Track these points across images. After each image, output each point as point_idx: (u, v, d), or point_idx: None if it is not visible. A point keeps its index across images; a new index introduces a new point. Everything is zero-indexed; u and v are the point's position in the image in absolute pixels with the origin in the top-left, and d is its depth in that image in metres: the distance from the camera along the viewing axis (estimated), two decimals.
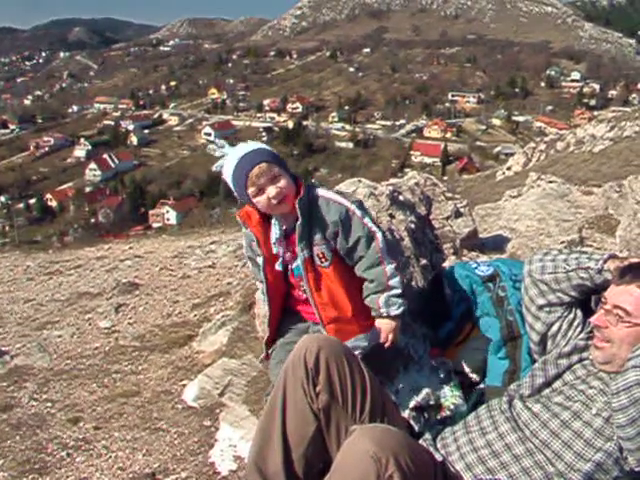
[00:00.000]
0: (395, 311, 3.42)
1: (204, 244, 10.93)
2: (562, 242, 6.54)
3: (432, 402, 3.75)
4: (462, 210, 6.52)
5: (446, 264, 4.43)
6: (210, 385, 5.11)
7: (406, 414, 3.65)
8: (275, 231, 3.39)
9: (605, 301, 2.80)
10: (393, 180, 5.75)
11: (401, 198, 4.92)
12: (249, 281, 7.28)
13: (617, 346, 2.74)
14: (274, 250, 3.43)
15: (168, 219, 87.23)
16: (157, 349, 6.23)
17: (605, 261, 2.93)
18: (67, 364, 6.10)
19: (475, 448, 2.77)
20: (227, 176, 3.35)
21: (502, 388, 3.38)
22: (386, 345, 3.47)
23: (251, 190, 3.28)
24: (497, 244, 6.75)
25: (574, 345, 2.99)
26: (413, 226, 4.67)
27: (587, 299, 3.12)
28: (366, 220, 3.39)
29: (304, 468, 2.85)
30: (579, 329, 3.04)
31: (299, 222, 3.30)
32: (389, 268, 3.40)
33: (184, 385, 5.35)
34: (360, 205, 3.47)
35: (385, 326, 3.44)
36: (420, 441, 2.93)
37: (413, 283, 4.27)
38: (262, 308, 3.82)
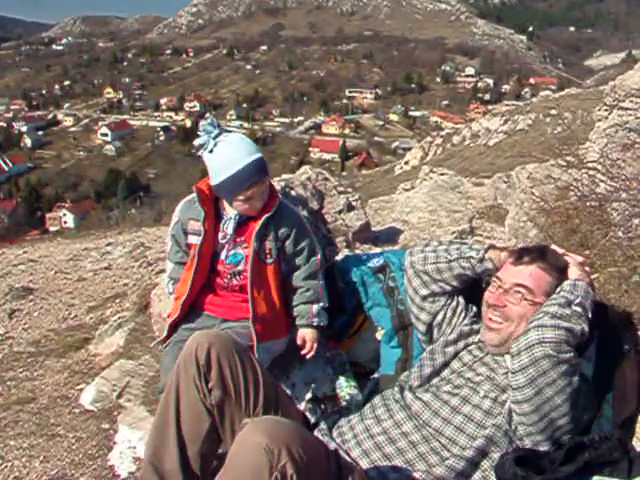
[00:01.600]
0: (322, 322, 3.58)
1: (100, 246, 10.74)
2: (453, 232, 6.68)
3: (328, 393, 3.80)
4: (354, 204, 6.60)
5: (339, 257, 4.47)
6: (107, 388, 5.04)
7: (302, 406, 3.68)
8: (232, 216, 3.40)
9: (501, 282, 2.91)
10: (285, 175, 5.76)
11: (293, 193, 4.94)
12: (145, 281, 7.22)
13: (516, 324, 2.86)
14: (221, 232, 3.44)
15: (66, 222, 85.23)
16: (53, 354, 6.10)
17: (486, 251, 3.05)
18: None
19: (372, 435, 2.83)
20: (216, 170, 3.32)
21: (395, 376, 3.43)
22: (309, 355, 3.58)
23: (239, 198, 3.30)
24: (390, 236, 6.86)
25: (459, 332, 3.10)
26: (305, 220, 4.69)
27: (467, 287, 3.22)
28: (312, 236, 3.59)
29: (201, 465, 2.85)
30: (462, 315, 3.16)
31: (265, 217, 3.37)
32: (322, 283, 3.60)
33: (81, 389, 5.25)
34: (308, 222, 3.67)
35: (310, 335, 3.55)
36: (315, 431, 2.97)
37: None
38: (168, 289, 3.73)
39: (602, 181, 4.94)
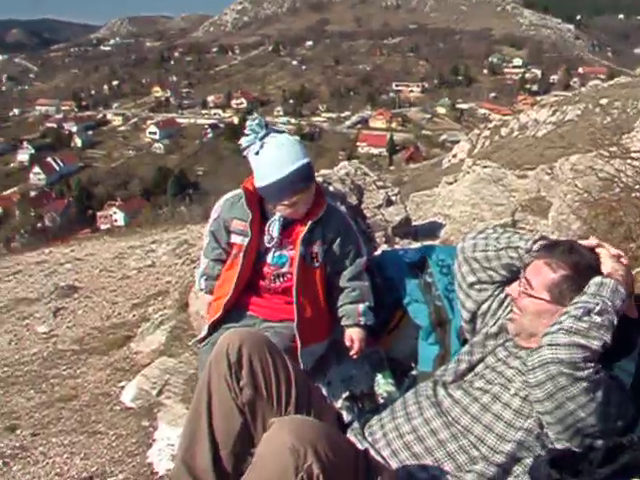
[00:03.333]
0: (369, 321, 3.54)
1: (145, 244, 10.83)
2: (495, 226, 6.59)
3: (365, 391, 3.75)
4: (393, 198, 6.54)
5: (378, 252, 4.43)
6: (148, 385, 5.07)
7: (339, 404, 3.65)
8: (276, 218, 3.35)
9: (523, 274, 2.84)
10: (323, 171, 5.73)
11: (331, 189, 4.92)
12: (187, 279, 7.25)
13: (524, 317, 2.80)
14: (267, 234, 3.39)
15: (116, 220, 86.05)
16: (96, 352, 6.17)
17: (535, 242, 2.95)
18: (4, 371, 6.02)
19: (401, 434, 2.78)
20: (261, 173, 3.26)
21: (433, 373, 3.38)
22: (356, 354, 3.55)
23: (283, 203, 3.26)
24: (431, 231, 6.79)
25: (501, 325, 3.02)
26: None
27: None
28: (359, 237, 3.58)
29: (233, 464, 2.82)
30: (509, 309, 3.06)
31: (311, 222, 3.34)
32: (368, 284, 3.57)
33: (122, 387, 5.31)
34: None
35: (358, 335, 3.51)
36: (348, 431, 2.93)
37: None
38: (204, 291, 3.74)
39: None
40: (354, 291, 3.49)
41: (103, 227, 74.82)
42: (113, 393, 5.24)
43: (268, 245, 3.39)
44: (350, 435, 2.89)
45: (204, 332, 3.55)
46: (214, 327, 3.51)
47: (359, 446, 2.74)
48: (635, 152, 5.04)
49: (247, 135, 3.25)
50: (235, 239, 3.44)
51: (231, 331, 2.95)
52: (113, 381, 5.47)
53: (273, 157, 3.19)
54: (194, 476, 2.82)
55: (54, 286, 8.54)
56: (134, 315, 6.96)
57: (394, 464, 2.70)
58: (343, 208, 4.28)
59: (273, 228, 3.36)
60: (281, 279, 3.44)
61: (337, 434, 2.53)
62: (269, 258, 3.43)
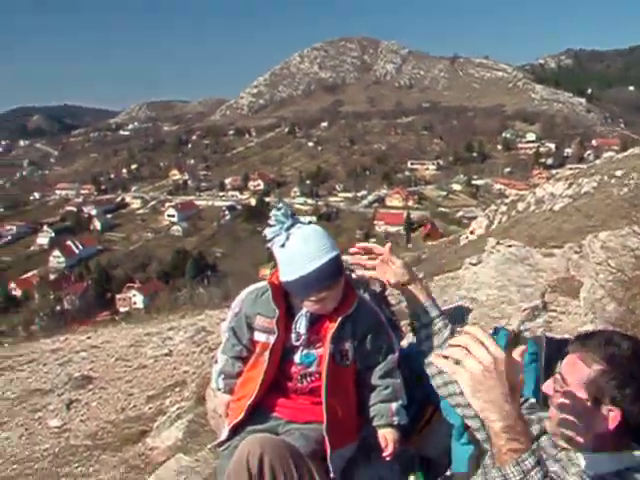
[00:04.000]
0: (402, 421, 3.27)
1: (162, 330, 10.66)
2: (525, 309, 6.35)
3: None
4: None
5: (404, 342, 4.19)
6: None
7: None
8: (303, 313, 3.09)
9: (559, 368, 2.58)
10: (345, 257, 5.52)
11: (353, 276, 4.71)
12: (205, 369, 7.06)
13: (559, 417, 2.50)
14: (293, 332, 3.11)
15: (135, 303, 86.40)
16: (110, 447, 5.97)
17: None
18: (13, 469, 5.82)
19: None
20: (287, 267, 2.97)
21: (469, 474, 3.11)
22: (390, 456, 3.23)
23: (311, 299, 2.99)
24: (458, 316, 6.54)
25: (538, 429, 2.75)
26: None
27: None
28: (390, 332, 3.33)
29: None
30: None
31: (341, 318, 3.08)
32: (400, 381, 3.31)
33: None
34: None
35: (391, 435, 3.22)
36: None
37: None
38: (219, 394, 3.46)
39: None
40: (386, 389, 3.24)
41: (122, 310, 75.16)
42: None
43: (295, 343, 3.12)
44: None
45: (224, 435, 3.28)
46: (235, 430, 3.25)
47: None
48: None
49: (272, 226, 3.00)
50: (259, 337, 3.16)
51: (251, 438, 2.72)
52: None
53: (300, 251, 2.94)
54: None
55: (68, 376, 8.37)
56: (150, 407, 6.76)
57: None
58: (367, 296, 4.07)
59: (300, 325, 3.10)
60: (309, 379, 3.19)
61: None
62: (296, 357, 3.17)
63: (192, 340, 9.29)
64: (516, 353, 2.15)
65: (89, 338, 11.38)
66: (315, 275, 2.92)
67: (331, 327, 3.05)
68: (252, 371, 3.19)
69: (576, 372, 2.43)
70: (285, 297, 3.14)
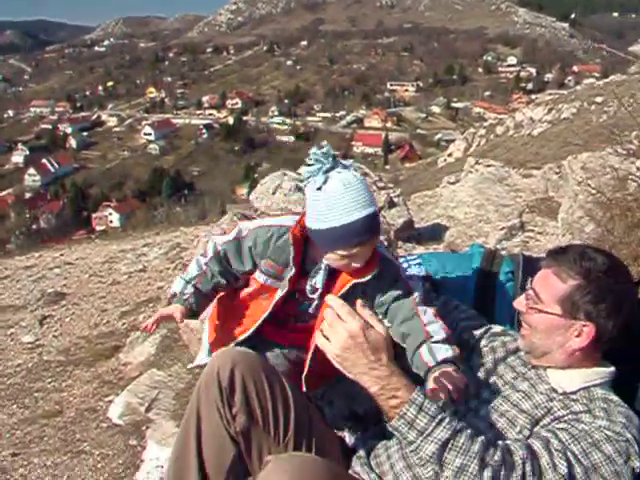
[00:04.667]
0: (444, 354, 2.68)
1: (137, 247, 10.60)
2: (502, 228, 6.32)
3: (370, 411, 3.45)
4: (396, 200, 6.24)
5: None
6: (136, 400, 4.82)
7: (341, 426, 3.35)
8: (322, 266, 2.81)
9: (530, 284, 2.55)
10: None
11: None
12: None
13: (534, 334, 2.47)
14: (309, 284, 2.85)
15: (111, 221, 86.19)
16: (82, 363, 5.94)
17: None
18: None
19: (409, 465, 2.46)
20: (321, 213, 2.65)
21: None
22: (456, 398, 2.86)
23: (339, 252, 2.68)
24: (435, 233, 6.52)
25: (502, 341, 2.73)
26: None
27: None
28: (408, 280, 2.93)
29: None
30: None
31: (353, 282, 2.77)
32: (427, 316, 2.81)
33: (110, 401, 5.08)
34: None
35: (440, 379, 2.60)
36: (354, 459, 2.63)
37: None
38: (182, 303, 3.21)
39: None
40: (409, 336, 2.83)
41: (99, 228, 74.95)
42: (100, 408, 4.99)
43: (310, 295, 2.88)
44: (356, 465, 2.59)
45: (204, 358, 3.16)
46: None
47: (366, 478, 2.48)
48: None
49: (309, 165, 2.69)
50: (259, 276, 2.95)
51: (222, 351, 2.66)
52: (100, 395, 5.23)
53: (340, 197, 2.63)
54: None
55: (41, 293, 8.30)
56: (123, 323, 6.72)
57: None
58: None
59: (317, 279, 2.85)
60: (306, 318, 3.03)
61: (341, 472, 2.24)
62: (298, 304, 2.95)
63: (166, 256, 9.25)
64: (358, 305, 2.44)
65: (63, 255, 11.29)
66: (354, 226, 2.62)
67: (344, 284, 2.80)
68: (246, 305, 3.01)
69: (550, 287, 2.41)
70: (302, 248, 2.89)
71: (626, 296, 2.43)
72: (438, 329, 2.72)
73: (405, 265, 3.47)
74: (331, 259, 2.74)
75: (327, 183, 2.62)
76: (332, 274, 2.83)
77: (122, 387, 5.21)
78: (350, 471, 2.55)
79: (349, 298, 2.70)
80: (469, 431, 2.20)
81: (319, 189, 2.62)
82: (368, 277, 2.76)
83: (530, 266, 3.16)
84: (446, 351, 2.63)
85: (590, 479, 2.13)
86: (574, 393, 2.39)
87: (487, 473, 2.11)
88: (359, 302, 2.58)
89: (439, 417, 2.20)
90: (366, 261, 2.74)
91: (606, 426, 2.22)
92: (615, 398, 2.38)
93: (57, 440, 4.62)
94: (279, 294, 2.87)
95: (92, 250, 11.40)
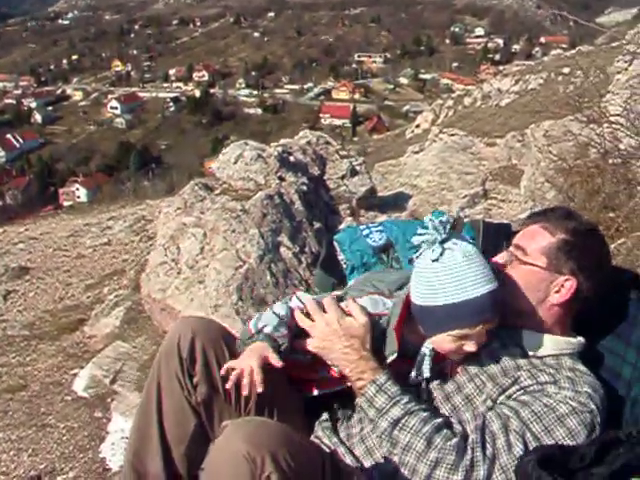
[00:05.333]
0: None
1: (102, 221, 10.51)
2: (465, 196, 6.36)
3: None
4: (358, 168, 6.24)
5: (343, 226, 4.15)
6: (101, 373, 4.85)
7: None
8: (427, 352, 2.46)
9: (509, 245, 2.62)
10: (283, 140, 5.43)
11: (292, 159, 4.65)
12: (144, 257, 6.98)
13: (510, 292, 2.47)
14: (415, 371, 2.49)
15: (79, 197, 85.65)
16: (47, 337, 5.94)
17: None
18: None
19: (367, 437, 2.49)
20: (437, 287, 2.37)
21: None
22: None
23: (455, 333, 2.39)
24: (398, 202, 6.54)
25: None
26: (305, 188, 4.41)
27: None
28: None
29: (187, 468, 2.57)
30: None
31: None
32: None
33: (75, 374, 5.09)
34: None
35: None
36: (317, 425, 2.64)
37: (306, 249, 4.00)
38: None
39: (627, 136, 4.59)
40: None
41: (66, 204, 74.32)
42: (64, 382, 4.99)
43: (412, 383, 2.53)
44: (318, 430, 2.60)
45: None
46: None
47: (327, 442, 2.50)
48: (613, 116, 4.80)
49: (425, 233, 2.43)
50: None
51: (181, 320, 2.67)
52: (65, 368, 5.23)
53: (461, 270, 2.37)
54: None
55: (5, 268, 8.23)
56: (88, 297, 6.71)
57: (368, 463, 2.42)
58: (305, 180, 3.93)
59: (424, 368, 2.50)
60: None
61: (300, 437, 2.25)
62: None
63: (131, 229, 9.21)
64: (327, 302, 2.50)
65: (28, 230, 11.19)
66: (477, 304, 2.37)
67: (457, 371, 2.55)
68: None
69: (538, 240, 2.49)
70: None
71: (605, 258, 2.57)
72: None
73: (366, 232, 3.48)
74: (440, 342, 2.45)
75: (445, 255, 2.38)
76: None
77: (87, 360, 5.23)
78: (312, 436, 2.56)
79: None
80: (424, 414, 2.26)
81: (435, 260, 2.37)
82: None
83: (490, 232, 3.19)
84: None
85: None
86: (543, 358, 2.44)
87: (433, 454, 2.17)
88: (335, 296, 2.59)
89: (397, 398, 2.28)
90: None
91: (571, 397, 2.27)
92: (582, 368, 2.43)
93: (22, 414, 4.62)
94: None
95: (57, 224, 11.29)
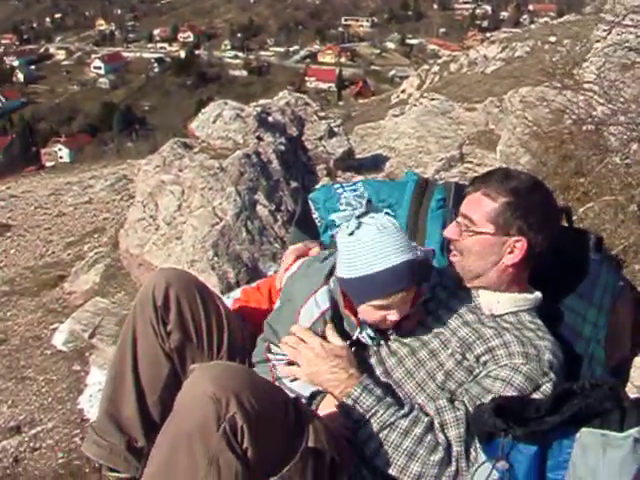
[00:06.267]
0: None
1: (83, 179, 10.53)
2: (441, 159, 6.44)
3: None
4: (336, 130, 6.29)
5: (318, 185, 4.21)
6: (80, 327, 4.92)
7: None
8: (366, 334, 2.57)
9: (456, 214, 2.69)
10: (262, 101, 5.48)
11: (270, 119, 4.71)
12: (124, 215, 7.02)
13: (466, 258, 2.60)
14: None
15: (61, 157, 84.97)
16: (27, 292, 6.00)
17: None
18: None
19: None
20: (353, 261, 2.46)
21: None
22: None
23: (374, 303, 2.48)
24: (375, 164, 6.60)
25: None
26: (283, 148, 4.48)
27: None
28: None
29: (161, 412, 2.67)
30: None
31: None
32: None
33: (54, 329, 5.16)
34: None
35: None
36: None
37: (282, 207, 4.08)
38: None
39: (600, 104, 4.67)
40: None
41: (48, 164, 73.74)
42: (44, 336, 5.07)
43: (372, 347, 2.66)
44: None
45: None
46: None
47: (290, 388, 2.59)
48: (587, 83, 4.88)
49: (342, 208, 2.54)
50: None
51: (156, 272, 2.75)
52: (45, 323, 5.31)
53: (375, 242, 2.45)
54: (119, 427, 2.69)
55: None
56: (68, 254, 6.76)
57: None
58: (283, 140, 4.01)
59: (366, 331, 2.60)
60: None
61: (264, 381, 2.34)
62: None
63: (113, 188, 9.23)
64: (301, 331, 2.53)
65: (9, 188, 11.19)
66: (387, 275, 2.45)
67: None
68: None
69: (482, 208, 2.55)
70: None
71: (552, 209, 2.63)
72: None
73: (340, 190, 3.56)
74: (364, 312, 2.55)
75: (361, 228, 2.47)
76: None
77: (66, 315, 5.31)
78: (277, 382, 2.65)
79: None
80: (408, 420, 2.34)
81: (351, 234, 2.47)
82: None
83: (462, 194, 3.27)
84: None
85: None
86: (502, 316, 2.53)
87: (416, 467, 2.31)
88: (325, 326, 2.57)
89: (381, 398, 2.38)
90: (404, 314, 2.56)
91: (535, 367, 2.39)
92: (540, 322, 2.55)
93: (1, 367, 4.72)
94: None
95: (38, 183, 11.30)
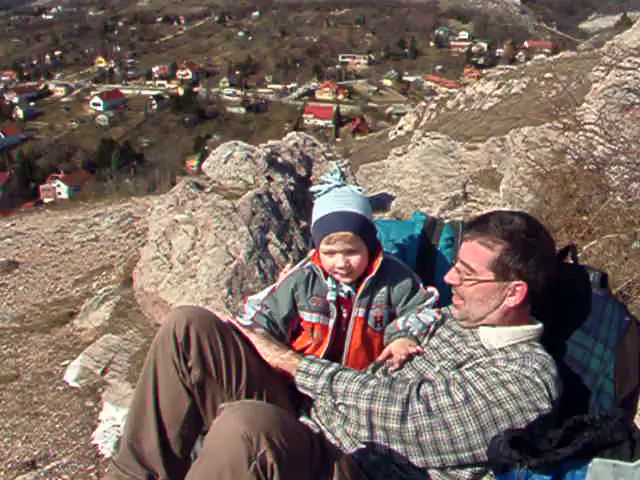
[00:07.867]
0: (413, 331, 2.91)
1: (88, 217, 10.60)
2: (446, 198, 6.53)
3: None
4: (343, 170, 6.39)
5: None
6: (92, 364, 4.96)
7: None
8: (331, 285, 2.91)
9: (457, 258, 2.73)
10: (271, 142, 5.59)
11: (280, 160, 4.80)
12: (132, 253, 7.12)
13: (469, 303, 2.67)
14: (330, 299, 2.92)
15: (60, 193, 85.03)
16: (37, 329, 6.03)
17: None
18: None
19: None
20: (314, 213, 2.89)
21: None
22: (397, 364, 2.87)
23: (322, 247, 2.85)
24: (381, 203, 6.70)
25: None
26: (292, 188, 4.57)
27: None
28: (419, 281, 3.05)
29: (181, 447, 2.72)
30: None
31: (366, 281, 2.90)
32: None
33: (65, 366, 5.19)
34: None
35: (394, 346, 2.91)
36: (301, 408, 2.82)
37: (293, 246, 4.16)
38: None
39: (600, 144, 4.78)
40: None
41: (47, 200, 73.76)
42: (56, 372, 5.11)
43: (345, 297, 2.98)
44: (303, 414, 2.79)
45: None
46: None
47: (312, 424, 2.68)
48: (588, 124, 4.99)
49: (321, 183, 2.95)
50: (311, 317, 2.98)
51: (177, 309, 2.82)
52: (56, 360, 5.33)
53: (328, 199, 2.87)
54: (141, 461, 2.71)
55: None
56: (77, 291, 6.81)
57: (346, 444, 2.59)
58: (292, 180, 4.12)
59: (341, 287, 2.93)
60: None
61: (291, 419, 2.41)
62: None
63: (119, 226, 9.30)
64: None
65: (14, 225, 11.26)
66: (329, 217, 2.83)
67: (357, 293, 2.93)
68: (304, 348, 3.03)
69: (479, 256, 2.61)
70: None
71: (548, 247, 2.67)
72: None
73: None
74: (323, 261, 2.91)
75: (329, 192, 2.88)
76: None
77: (78, 352, 5.32)
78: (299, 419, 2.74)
79: (370, 306, 2.95)
80: (352, 371, 2.66)
81: (318, 196, 2.88)
82: (375, 271, 2.89)
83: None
84: (415, 324, 2.88)
85: (492, 412, 2.38)
86: (501, 350, 2.60)
87: (367, 390, 2.51)
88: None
89: (325, 364, 2.70)
90: (357, 267, 2.87)
91: (517, 370, 2.47)
92: (538, 350, 2.59)
93: (15, 403, 4.72)
94: (332, 323, 2.93)
95: (43, 220, 11.37)
